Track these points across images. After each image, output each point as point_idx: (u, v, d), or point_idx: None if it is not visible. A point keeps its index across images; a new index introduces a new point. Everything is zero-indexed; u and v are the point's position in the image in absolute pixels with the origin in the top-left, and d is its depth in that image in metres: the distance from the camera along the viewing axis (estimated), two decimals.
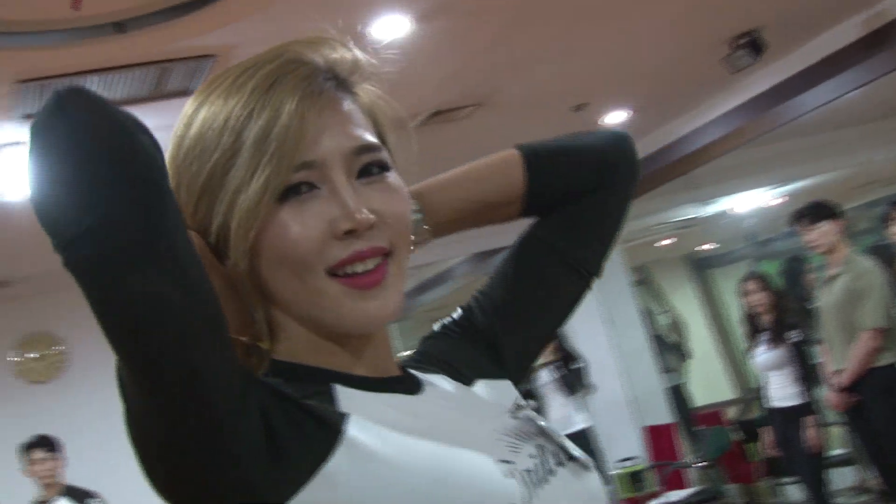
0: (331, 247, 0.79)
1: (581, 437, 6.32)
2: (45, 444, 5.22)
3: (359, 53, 0.87)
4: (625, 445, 7.16)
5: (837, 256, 4.77)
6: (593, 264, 1.03)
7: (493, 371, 0.98)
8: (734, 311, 11.16)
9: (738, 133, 5.98)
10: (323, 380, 0.82)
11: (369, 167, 0.83)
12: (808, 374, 5.29)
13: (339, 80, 0.84)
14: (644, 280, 11.23)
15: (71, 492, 5.25)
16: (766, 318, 5.42)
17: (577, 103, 5.30)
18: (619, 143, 1.06)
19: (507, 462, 0.80)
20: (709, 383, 10.96)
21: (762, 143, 6.37)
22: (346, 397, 0.81)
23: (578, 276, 1.02)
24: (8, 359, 6.50)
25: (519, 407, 0.92)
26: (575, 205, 1.02)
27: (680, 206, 8.90)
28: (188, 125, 0.82)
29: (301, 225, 0.79)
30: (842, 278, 4.72)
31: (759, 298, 5.42)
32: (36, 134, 0.68)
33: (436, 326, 1.04)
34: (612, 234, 1.05)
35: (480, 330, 1.01)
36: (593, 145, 1.05)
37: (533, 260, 1.03)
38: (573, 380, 6.47)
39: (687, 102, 5.96)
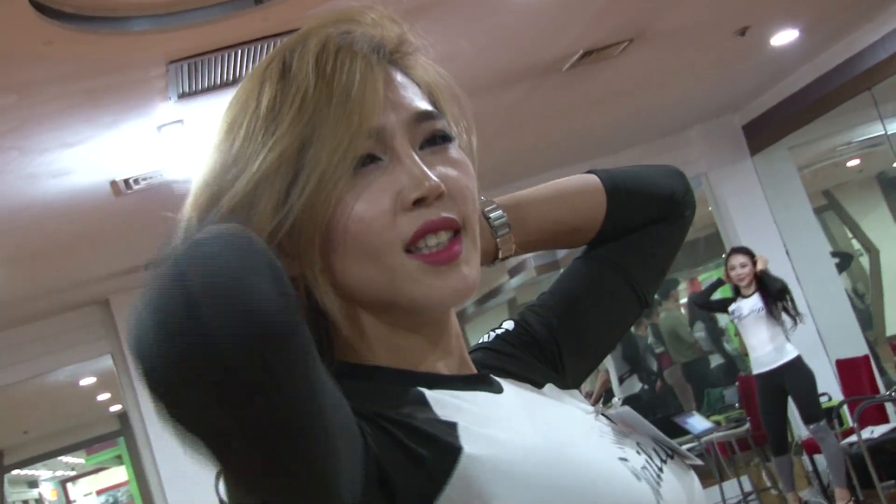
0: (401, 221, 0.74)
1: (794, 367, 6.04)
2: None
3: (405, 27, 0.82)
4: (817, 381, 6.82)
5: None
6: (650, 292, 1.04)
7: (557, 381, 0.93)
8: None
9: None
10: (408, 383, 0.77)
11: (433, 138, 0.78)
12: None
13: (388, 54, 0.80)
14: (830, 205, 10.65)
15: None
16: None
17: (739, 27, 4.98)
18: (683, 178, 1.10)
19: (624, 460, 0.76)
20: None
21: None
22: (438, 403, 0.75)
23: (638, 301, 1.02)
24: None
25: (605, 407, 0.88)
26: (640, 233, 1.03)
27: (865, 124, 8.32)
28: (251, 107, 0.76)
29: (368, 202, 0.74)
30: None
31: None
32: (151, 298, 0.58)
33: (485, 338, 0.98)
34: (668, 264, 1.08)
35: (540, 343, 0.97)
36: (663, 179, 1.07)
37: (602, 280, 1.02)
38: (779, 307, 6.11)
39: (863, 13, 5.50)
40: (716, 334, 9.92)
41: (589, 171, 1.03)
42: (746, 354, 6.45)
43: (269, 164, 0.72)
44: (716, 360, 9.87)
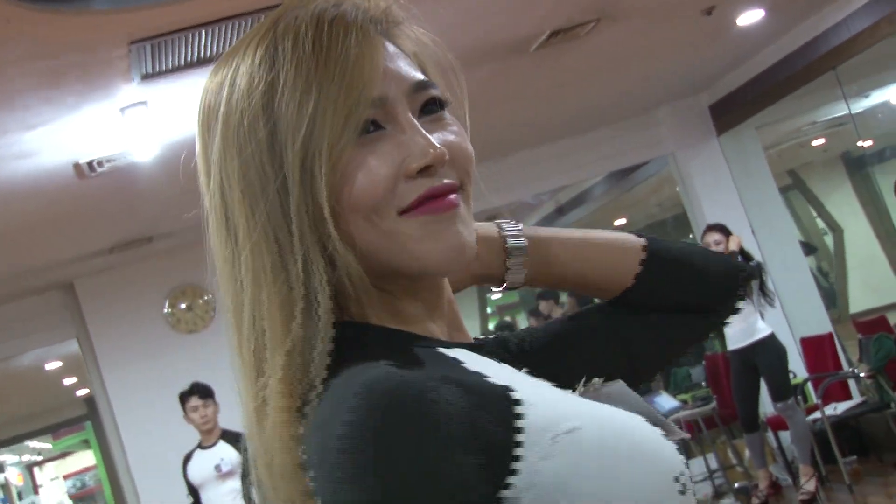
0: (401, 188, 0.75)
1: (766, 345, 6.09)
2: (199, 391, 5.41)
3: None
4: None
5: None
6: (645, 377, 0.99)
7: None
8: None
9: (888, 20, 5.54)
10: (429, 345, 0.77)
11: (430, 105, 0.79)
12: None
13: (379, 25, 0.80)
14: (795, 185, 10.74)
15: (227, 436, 5.43)
16: None
17: (706, 6, 4.99)
18: (736, 279, 1.01)
19: None
20: (872, 288, 10.47)
21: None
22: (469, 361, 0.76)
23: (630, 376, 0.89)
24: (163, 312, 6.74)
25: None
26: (666, 315, 0.97)
27: (830, 104, 8.38)
28: (264, 96, 0.75)
29: (371, 167, 0.74)
30: None
31: None
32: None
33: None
34: (677, 358, 1.05)
35: (512, 353, 0.92)
36: (716, 268, 1.00)
37: (600, 341, 0.96)
38: (753, 286, 6.16)
39: None
40: None
41: (641, 234, 0.98)
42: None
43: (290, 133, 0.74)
44: None
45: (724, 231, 6.24)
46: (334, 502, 0.63)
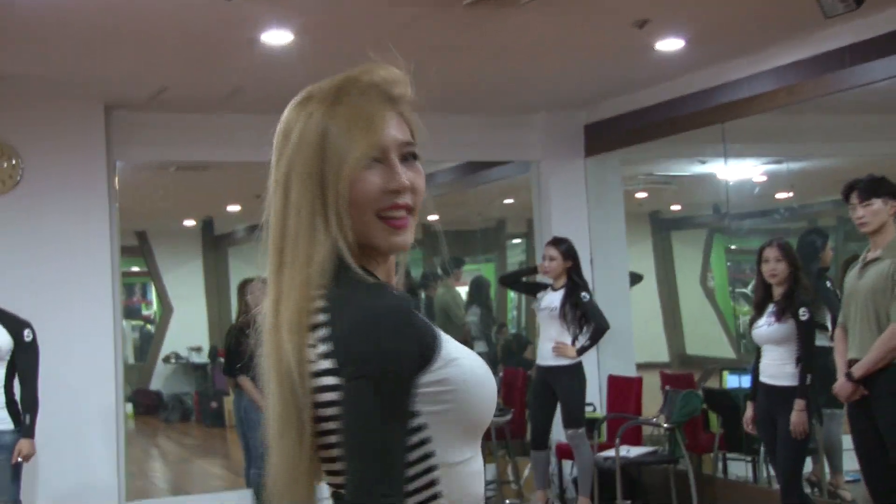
0: (382, 198, 1.33)
1: (569, 373, 5.99)
2: None
3: (411, 87, 1.40)
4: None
5: (883, 239, 4.42)
6: None
7: None
8: (683, 274, 10.96)
9: (788, 91, 5.57)
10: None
11: (408, 156, 1.37)
12: (807, 356, 4.98)
13: (396, 100, 1.38)
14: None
15: (2, 318, 4.75)
16: (778, 290, 5.08)
17: (641, 18, 4.81)
18: None
19: None
20: (647, 344, 10.76)
21: (799, 110, 5.99)
22: None
23: None
24: None
25: None
26: None
27: (677, 160, 8.48)
28: (322, 130, 1.33)
29: (369, 182, 1.33)
30: (883, 263, 4.37)
31: (777, 268, 5.06)
32: None
33: None
34: None
35: None
36: None
37: None
38: (574, 311, 6.06)
39: (746, 45, 5.50)
40: (488, 322, 9.89)
41: None
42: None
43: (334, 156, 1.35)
44: (479, 347, 9.84)
45: (562, 250, 6.13)
46: (390, 351, 1.23)
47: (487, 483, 6.96)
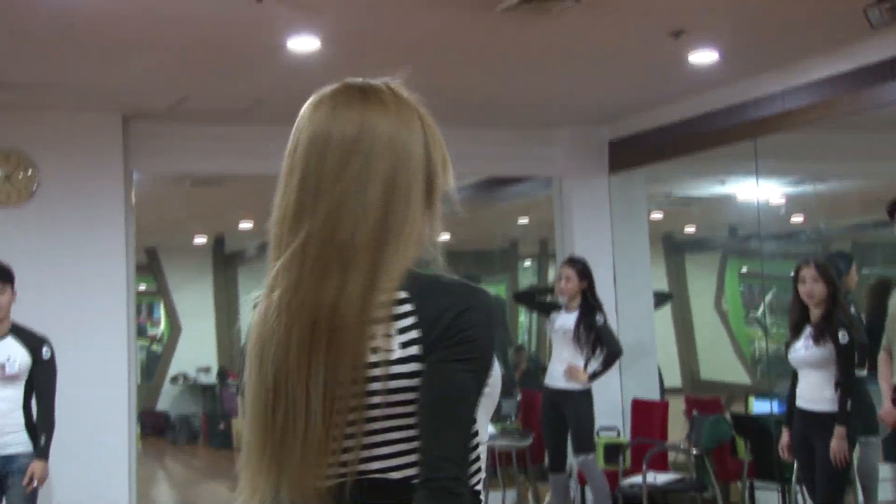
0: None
1: (576, 398, 5.82)
2: None
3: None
4: (602, 414, 6.66)
5: None
6: None
7: None
8: (695, 297, 10.77)
9: (825, 106, 5.42)
10: None
11: None
12: (846, 380, 4.80)
13: None
14: None
15: (18, 332, 4.58)
16: (816, 312, 4.90)
17: (676, 28, 4.67)
18: None
19: None
20: (662, 368, 10.59)
21: (832, 128, 5.84)
22: None
23: None
24: None
25: None
26: None
27: (703, 177, 8.31)
28: (426, 140, 1.43)
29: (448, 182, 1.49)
30: None
31: (815, 288, 4.89)
32: None
33: None
34: None
35: None
36: None
37: None
38: (588, 334, 5.90)
39: (781, 57, 5.35)
40: (504, 343, 9.72)
41: None
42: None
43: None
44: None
45: (579, 270, 5.99)
46: (484, 336, 1.31)
47: None
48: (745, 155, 6.04)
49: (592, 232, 7.12)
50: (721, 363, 10.95)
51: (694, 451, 5.97)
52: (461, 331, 1.28)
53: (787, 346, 5.05)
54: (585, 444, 5.85)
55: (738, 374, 10.69)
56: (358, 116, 1.35)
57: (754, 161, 6.03)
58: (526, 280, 11.69)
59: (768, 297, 9.29)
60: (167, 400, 13.71)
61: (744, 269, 10.82)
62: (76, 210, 5.86)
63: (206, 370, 13.75)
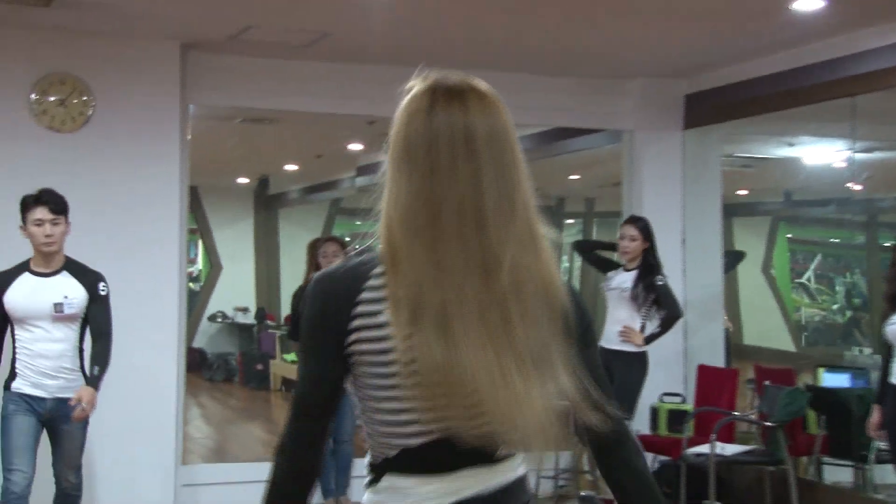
0: None
1: (623, 359, 5.63)
2: (51, 201, 4.28)
3: None
4: (666, 380, 6.38)
5: None
6: None
7: None
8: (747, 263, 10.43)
9: None
10: None
11: None
12: None
13: None
14: None
15: (72, 267, 4.34)
16: None
17: None
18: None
19: None
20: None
21: None
22: None
23: None
24: (29, 97, 5.47)
25: None
26: None
27: (790, 136, 7.86)
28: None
29: None
30: None
31: None
32: None
33: None
34: None
35: None
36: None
37: None
38: (646, 294, 5.66)
39: (892, 9, 4.94)
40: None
41: None
42: None
43: None
44: None
45: (641, 229, 5.73)
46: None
47: (561, 471, 6.55)
48: (840, 116, 5.65)
49: (662, 189, 6.77)
50: (765, 330, 10.66)
51: (768, 424, 5.67)
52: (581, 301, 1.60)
53: (884, 318, 4.73)
54: (625, 407, 5.61)
55: (782, 342, 10.39)
56: (486, 111, 1.49)
57: (851, 122, 5.63)
58: (569, 240, 11.39)
59: (813, 264, 8.93)
60: (204, 338, 13.63)
61: (792, 235, 10.44)
62: (130, 141, 5.59)
63: (244, 310, 13.63)
